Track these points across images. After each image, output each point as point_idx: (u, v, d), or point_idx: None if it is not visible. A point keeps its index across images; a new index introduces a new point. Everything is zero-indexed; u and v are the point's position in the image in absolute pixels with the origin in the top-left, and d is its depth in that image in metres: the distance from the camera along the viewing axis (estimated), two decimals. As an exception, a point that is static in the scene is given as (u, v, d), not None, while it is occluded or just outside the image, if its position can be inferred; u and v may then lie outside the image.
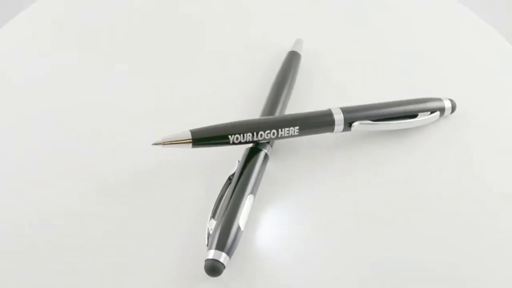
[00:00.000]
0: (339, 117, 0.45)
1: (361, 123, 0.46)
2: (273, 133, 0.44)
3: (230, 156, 0.44)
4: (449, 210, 0.43)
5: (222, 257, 0.37)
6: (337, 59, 0.57)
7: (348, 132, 0.46)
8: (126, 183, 0.44)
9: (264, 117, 0.47)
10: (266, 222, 0.42)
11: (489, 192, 0.45)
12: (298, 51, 0.54)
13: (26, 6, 0.64)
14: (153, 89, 0.53)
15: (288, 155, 0.46)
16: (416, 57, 0.58)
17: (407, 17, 0.64)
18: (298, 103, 0.51)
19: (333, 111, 0.45)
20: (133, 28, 0.62)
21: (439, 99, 0.49)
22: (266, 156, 0.44)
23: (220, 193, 0.41)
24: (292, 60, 0.53)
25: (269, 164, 0.45)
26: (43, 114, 0.50)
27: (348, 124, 0.45)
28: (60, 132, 0.49)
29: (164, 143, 0.41)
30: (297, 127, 0.44)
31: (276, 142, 0.46)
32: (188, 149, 0.42)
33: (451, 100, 0.49)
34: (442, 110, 0.49)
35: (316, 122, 0.45)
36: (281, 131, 0.44)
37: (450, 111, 0.49)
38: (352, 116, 0.46)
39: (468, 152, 0.48)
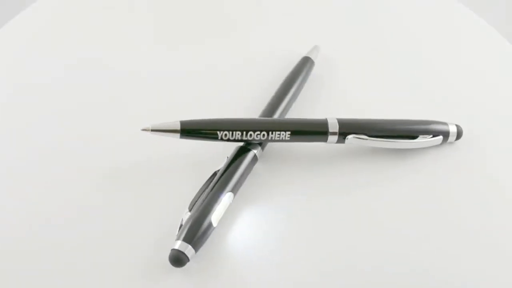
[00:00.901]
0: (333, 128, 0.44)
1: (356, 137, 0.44)
2: (263, 135, 0.43)
3: (224, 153, 0.44)
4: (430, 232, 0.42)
5: (187, 249, 0.37)
6: (352, 70, 0.56)
7: (344, 145, 0.45)
8: (117, 176, 0.45)
9: (256, 118, 0.46)
10: (242, 222, 0.42)
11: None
12: (312, 58, 0.53)
13: (26, 6, 0.64)
14: (160, 88, 0.53)
15: (281, 160, 0.46)
16: (424, 67, 0.57)
17: (411, 20, 0.64)
18: (303, 108, 0.51)
19: (329, 121, 0.44)
20: (134, 28, 0.62)
21: (444, 123, 0.47)
22: (254, 157, 0.44)
23: (203, 187, 0.42)
24: (303, 65, 0.52)
25: (258, 166, 0.45)
26: (43, 114, 0.50)
27: (342, 136, 0.44)
28: (60, 131, 0.49)
29: (152, 130, 0.41)
30: (289, 132, 0.43)
31: (273, 145, 0.46)
32: (176, 139, 0.42)
33: (457, 125, 0.47)
34: (446, 135, 0.47)
35: (309, 130, 0.44)
36: (272, 134, 0.43)
37: (455, 137, 0.47)
38: (348, 128, 0.44)
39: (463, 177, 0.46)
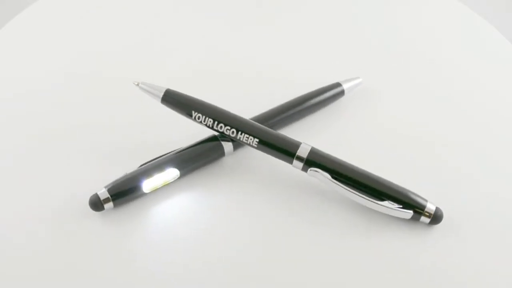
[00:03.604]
0: (302, 153, 0.42)
1: (317, 172, 0.42)
2: (232, 132, 0.43)
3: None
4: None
5: (104, 195, 0.40)
6: (385, 111, 0.52)
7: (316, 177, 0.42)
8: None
9: (233, 113, 0.44)
10: (176, 202, 0.43)
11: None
12: (344, 85, 0.51)
13: (26, 6, 0.64)
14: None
15: (254, 164, 0.46)
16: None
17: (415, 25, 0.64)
18: (305, 130, 0.49)
19: (302, 145, 0.42)
20: (134, 28, 0.62)
21: (424, 199, 0.41)
22: (221, 149, 0.45)
23: (164, 154, 0.44)
24: (330, 89, 0.51)
25: (228, 161, 0.46)
26: (43, 113, 0.50)
27: (308, 166, 0.42)
28: (61, 130, 0.49)
29: (140, 85, 0.44)
30: (257, 140, 0.43)
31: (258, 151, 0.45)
32: (158, 102, 0.44)
33: (438, 208, 0.41)
34: (419, 212, 0.41)
35: (277, 146, 0.43)
36: (240, 134, 0.43)
37: (430, 219, 0.41)
38: (316, 160, 0.42)
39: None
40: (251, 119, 0.47)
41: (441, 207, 0.41)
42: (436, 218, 0.41)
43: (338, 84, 0.51)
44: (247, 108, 0.47)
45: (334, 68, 0.57)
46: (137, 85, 0.44)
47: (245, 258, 0.40)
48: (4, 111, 0.51)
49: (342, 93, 0.51)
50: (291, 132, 0.48)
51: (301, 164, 0.42)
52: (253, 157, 0.46)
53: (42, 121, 0.49)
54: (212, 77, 0.54)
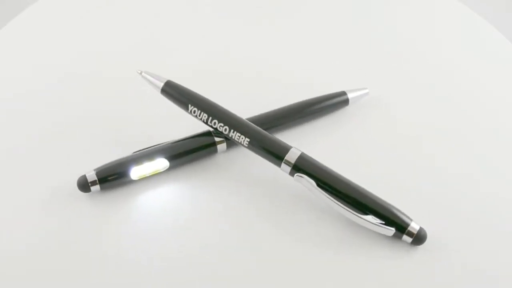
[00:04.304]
0: (291, 158, 0.42)
1: (302, 177, 0.41)
2: (225, 129, 0.44)
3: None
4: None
5: (92, 178, 0.42)
6: (390, 121, 0.51)
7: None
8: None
9: (229, 111, 0.45)
10: (162, 192, 0.44)
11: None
12: (349, 95, 0.50)
13: (26, 7, 0.64)
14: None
15: (248, 163, 0.46)
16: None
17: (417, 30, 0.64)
18: (308, 135, 0.49)
19: (291, 150, 0.42)
20: (134, 28, 0.62)
21: (408, 217, 0.40)
22: (212, 144, 0.45)
23: (159, 144, 0.44)
24: (334, 97, 0.50)
25: (221, 159, 0.46)
26: (43, 113, 0.50)
27: (295, 171, 0.42)
28: (60, 129, 0.49)
29: (143, 74, 0.45)
30: (248, 139, 0.43)
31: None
32: (157, 93, 0.45)
33: (422, 228, 0.40)
34: (401, 230, 0.40)
35: (266, 148, 0.43)
36: (233, 132, 0.43)
37: (412, 239, 0.40)
38: (304, 166, 0.41)
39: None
40: (250, 119, 0.47)
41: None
42: (419, 238, 0.39)
43: (343, 93, 0.50)
44: (247, 108, 0.47)
45: (334, 68, 0.57)
46: (140, 73, 0.45)
47: (215, 255, 0.40)
48: (4, 111, 0.51)
49: (346, 102, 0.50)
50: (290, 136, 0.48)
51: (288, 169, 0.42)
52: (246, 156, 0.46)
53: (42, 121, 0.50)
54: (212, 77, 0.54)
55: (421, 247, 0.40)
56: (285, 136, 0.47)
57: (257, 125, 0.45)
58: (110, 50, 0.58)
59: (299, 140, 0.46)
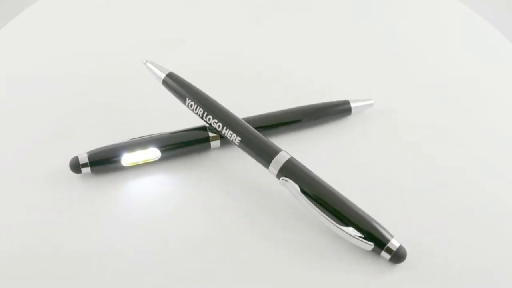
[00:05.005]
0: (279, 161, 0.42)
1: (287, 181, 0.41)
2: (219, 126, 0.44)
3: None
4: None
5: (83, 160, 0.43)
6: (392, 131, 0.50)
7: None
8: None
9: (225, 108, 0.45)
10: (150, 181, 0.45)
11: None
12: (352, 105, 0.49)
13: (26, 7, 0.64)
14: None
15: (235, 163, 0.46)
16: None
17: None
18: (306, 141, 0.48)
19: (280, 153, 0.42)
20: (134, 27, 0.62)
21: (390, 234, 0.39)
22: (206, 140, 0.45)
23: (154, 133, 0.45)
24: (335, 105, 0.49)
25: (215, 155, 0.46)
26: (43, 113, 0.50)
27: (281, 174, 0.41)
28: (60, 129, 0.49)
29: (147, 63, 0.46)
30: (239, 138, 0.43)
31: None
32: (159, 84, 0.46)
33: (401, 246, 0.39)
34: (380, 246, 0.39)
35: (256, 149, 0.43)
36: (225, 130, 0.44)
37: (390, 256, 0.39)
38: (290, 170, 0.41)
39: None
40: (249, 118, 0.47)
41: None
42: (397, 256, 0.38)
43: (346, 102, 0.50)
44: (247, 108, 0.48)
45: (334, 68, 0.57)
46: (145, 63, 0.46)
47: (189, 248, 0.40)
48: (5, 111, 0.51)
49: (349, 111, 0.50)
50: (288, 141, 0.47)
51: (275, 171, 0.42)
52: (240, 156, 0.45)
53: (42, 121, 0.50)
54: (212, 77, 0.54)
55: (406, 266, 0.39)
56: (283, 140, 0.47)
57: (256, 125, 0.45)
58: (110, 50, 0.58)
59: (295, 146, 0.46)
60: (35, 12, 0.64)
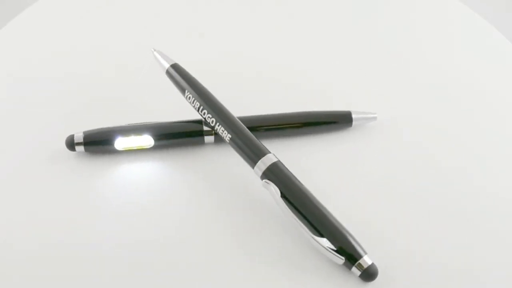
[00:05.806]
0: (264, 162, 0.41)
1: (268, 184, 0.41)
2: (212, 121, 0.44)
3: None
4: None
5: (79, 139, 0.45)
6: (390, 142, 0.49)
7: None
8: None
9: (221, 105, 0.45)
10: (139, 168, 0.46)
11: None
12: (354, 116, 0.48)
13: (26, 7, 0.64)
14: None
15: (227, 160, 0.46)
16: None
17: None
18: (300, 148, 0.48)
19: (267, 155, 0.42)
20: (133, 28, 0.62)
21: (363, 251, 0.38)
22: (200, 134, 0.46)
23: (152, 122, 0.47)
24: (336, 115, 0.49)
25: (209, 150, 0.47)
26: (43, 113, 0.50)
27: (265, 176, 0.41)
28: (60, 129, 0.49)
29: (155, 52, 0.47)
30: (230, 136, 0.43)
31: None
32: (163, 72, 0.47)
33: (373, 264, 0.38)
34: (351, 261, 0.38)
35: (244, 148, 0.43)
36: (218, 125, 0.44)
37: (360, 273, 0.38)
38: (275, 174, 0.41)
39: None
40: (246, 118, 0.46)
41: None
42: (367, 274, 0.38)
43: (348, 113, 0.49)
44: (247, 108, 0.48)
45: (334, 68, 0.57)
46: (153, 51, 0.47)
47: (164, 241, 0.41)
48: (5, 111, 0.51)
49: (350, 123, 0.49)
50: (286, 145, 0.47)
51: (260, 172, 0.42)
52: (234, 154, 0.45)
53: (42, 120, 0.50)
54: (212, 77, 0.54)
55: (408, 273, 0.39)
56: (277, 145, 0.47)
57: (251, 126, 0.45)
58: (110, 50, 0.58)
59: (291, 151, 0.46)
60: (35, 12, 0.64)
